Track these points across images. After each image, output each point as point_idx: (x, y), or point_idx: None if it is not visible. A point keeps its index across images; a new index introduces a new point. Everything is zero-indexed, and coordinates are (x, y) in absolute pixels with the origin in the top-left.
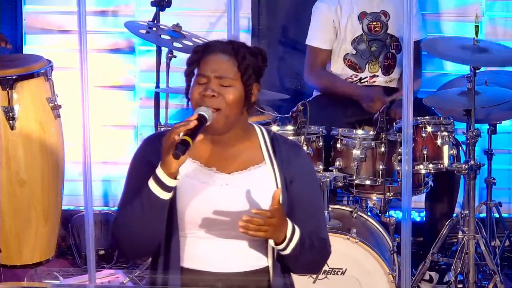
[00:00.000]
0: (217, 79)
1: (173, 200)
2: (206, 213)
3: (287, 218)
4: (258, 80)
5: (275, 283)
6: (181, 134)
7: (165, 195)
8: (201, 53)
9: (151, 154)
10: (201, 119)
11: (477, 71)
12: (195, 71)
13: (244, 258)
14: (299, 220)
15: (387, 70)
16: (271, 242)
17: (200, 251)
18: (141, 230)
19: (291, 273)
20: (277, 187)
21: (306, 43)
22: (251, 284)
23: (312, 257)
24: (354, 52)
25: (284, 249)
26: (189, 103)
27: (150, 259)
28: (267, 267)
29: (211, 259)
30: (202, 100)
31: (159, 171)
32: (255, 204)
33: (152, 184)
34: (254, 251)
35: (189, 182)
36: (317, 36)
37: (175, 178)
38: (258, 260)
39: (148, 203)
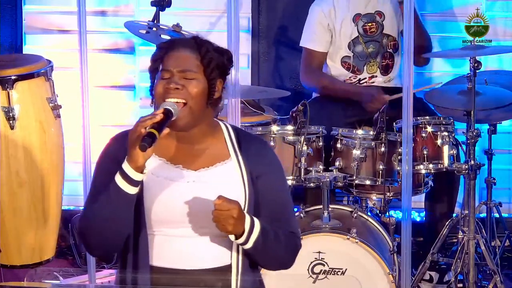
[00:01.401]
0: (181, 73)
1: (140, 198)
2: (173, 210)
3: (245, 213)
4: (222, 77)
5: (240, 280)
6: (147, 127)
7: (132, 190)
8: (165, 50)
9: (118, 152)
10: (167, 113)
11: (477, 71)
12: (160, 67)
13: (211, 255)
14: (267, 216)
15: (385, 70)
16: (231, 237)
17: (169, 249)
18: (108, 225)
19: (262, 270)
20: (244, 182)
21: (300, 44)
22: (217, 281)
23: (280, 251)
24: (351, 54)
25: (245, 242)
26: (153, 100)
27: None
28: (230, 264)
29: (179, 256)
30: (166, 93)
31: (126, 166)
32: None
33: (118, 179)
34: (222, 248)
35: (156, 179)
36: (311, 38)
37: (141, 172)
38: (225, 257)
39: (115, 198)
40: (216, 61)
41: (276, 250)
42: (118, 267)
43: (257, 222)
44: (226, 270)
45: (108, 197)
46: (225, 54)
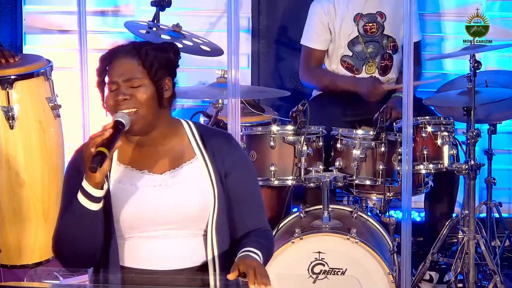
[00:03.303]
0: (126, 82)
1: (108, 206)
2: (143, 215)
3: (248, 253)
4: (170, 74)
5: (219, 279)
6: (97, 145)
7: (95, 206)
8: (106, 61)
9: (81, 164)
10: (118, 125)
11: (477, 71)
12: (106, 79)
13: (183, 255)
14: (239, 213)
15: (384, 71)
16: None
17: (141, 252)
18: (78, 241)
19: None
20: (212, 181)
21: (301, 42)
22: (192, 281)
23: (268, 254)
24: (350, 54)
25: None
26: (107, 113)
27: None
28: (206, 263)
29: (152, 258)
30: (117, 105)
31: (85, 184)
32: (191, 200)
33: (80, 197)
34: (193, 248)
35: (122, 187)
36: (311, 37)
37: (101, 188)
38: (198, 257)
39: (79, 215)
40: (158, 61)
41: (266, 261)
42: (92, 271)
43: (259, 254)
44: (202, 269)
45: (73, 214)
46: (169, 49)
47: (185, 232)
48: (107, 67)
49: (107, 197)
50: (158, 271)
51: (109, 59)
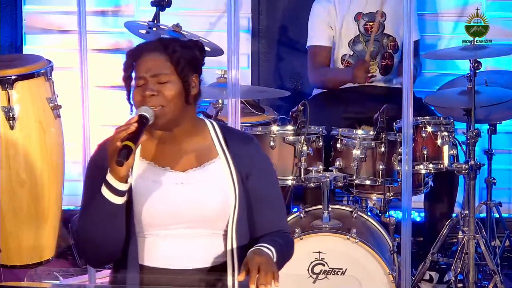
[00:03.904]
0: (154, 78)
1: (129, 202)
2: (163, 213)
3: (262, 248)
4: (196, 71)
5: (234, 279)
6: (123, 139)
7: (119, 200)
8: (134, 57)
9: (103, 160)
10: (142, 119)
11: (477, 70)
12: (133, 75)
13: (203, 254)
14: (258, 215)
15: (384, 70)
16: None
17: (160, 250)
18: (101, 236)
19: None
20: (233, 181)
21: (307, 45)
22: (210, 280)
23: (285, 254)
24: (351, 53)
25: None
26: (133, 108)
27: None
28: (225, 262)
29: (171, 257)
30: (144, 101)
31: (109, 177)
32: (212, 200)
33: (104, 190)
34: (213, 248)
35: (144, 183)
36: (315, 36)
37: (125, 182)
38: (218, 257)
39: (102, 209)
40: (186, 58)
41: (285, 257)
42: (112, 269)
43: (273, 250)
44: (221, 269)
45: (96, 208)
46: (195, 47)
47: (205, 231)
48: (134, 63)
49: (128, 192)
50: (176, 270)
51: (136, 55)
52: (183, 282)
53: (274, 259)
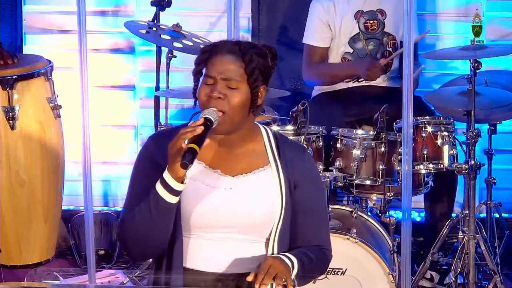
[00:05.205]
0: (224, 81)
1: (177, 202)
2: (210, 215)
3: (282, 257)
4: (266, 82)
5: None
6: (187, 140)
7: (173, 199)
8: (208, 53)
9: (155, 153)
10: (207, 122)
11: (477, 71)
12: (203, 70)
13: (244, 260)
14: (301, 226)
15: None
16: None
17: (203, 252)
18: (149, 232)
19: None
20: (281, 191)
21: (303, 41)
22: (247, 286)
23: (313, 269)
24: (351, 51)
25: None
26: (197, 103)
27: (151, 260)
28: None
29: (213, 260)
30: (209, 101)
31: (167, 176)
32: (258, 207)
33: (159, 188)
34: (255, 254)
35: (193, 184)
36: (312, 35)
37: (182, 183)
38: (258, 263)
39: (155, 206)
40: (260, 68)
41: (311, 270)
42: (153, 268)
43: (294, 261)
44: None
45: (148, 205)
46: (268, 54)
47: (248, 237)
48: (207, 60)
49: None
50: (215, 273)
51: (212, 52)
52: (220, 286)
53: (294, 270)
